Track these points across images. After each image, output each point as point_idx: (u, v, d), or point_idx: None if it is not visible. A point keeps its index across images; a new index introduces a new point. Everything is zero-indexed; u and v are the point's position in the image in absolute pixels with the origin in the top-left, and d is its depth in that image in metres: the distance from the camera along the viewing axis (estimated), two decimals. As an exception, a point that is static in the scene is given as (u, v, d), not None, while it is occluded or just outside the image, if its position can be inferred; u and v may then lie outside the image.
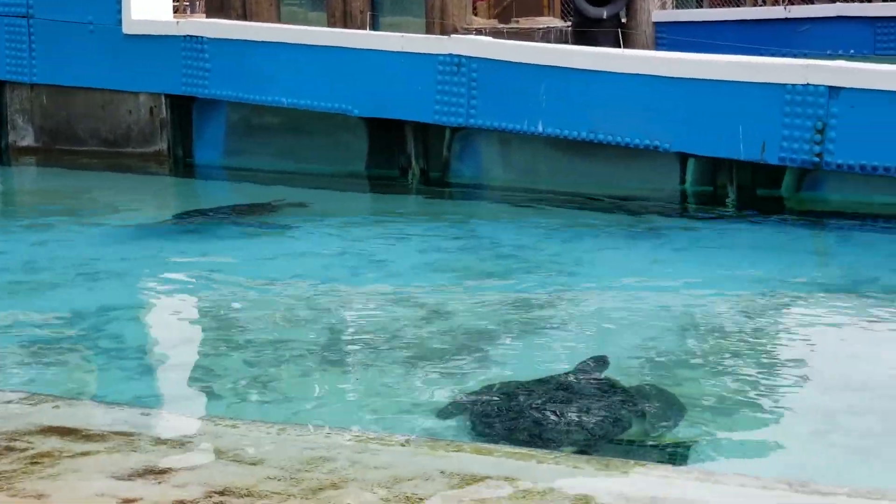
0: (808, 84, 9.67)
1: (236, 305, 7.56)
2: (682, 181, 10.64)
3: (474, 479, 3.64)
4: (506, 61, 11.07)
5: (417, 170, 11.96)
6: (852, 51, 17.51)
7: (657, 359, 6.32)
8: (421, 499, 3.49)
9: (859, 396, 5.69)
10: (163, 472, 3.68)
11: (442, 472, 3.75)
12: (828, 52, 16.67)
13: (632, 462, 4.09)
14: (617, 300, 7.58)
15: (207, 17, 19.83)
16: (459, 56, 11.29)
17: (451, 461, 3.94)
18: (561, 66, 10.77)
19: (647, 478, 3.76)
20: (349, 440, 4.11)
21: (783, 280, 7.94)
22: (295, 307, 7.41)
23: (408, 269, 8.42)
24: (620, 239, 9.34)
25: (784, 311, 7.31)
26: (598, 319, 7.12)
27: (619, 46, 12.11)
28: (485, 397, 5.51)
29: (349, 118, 12.08)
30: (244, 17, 19.80)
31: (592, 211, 10.40)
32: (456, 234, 9.70)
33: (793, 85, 9.73)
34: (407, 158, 12.01)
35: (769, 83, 9.83)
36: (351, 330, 7.01)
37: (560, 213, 10.33)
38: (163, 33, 13.05)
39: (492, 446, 4.52)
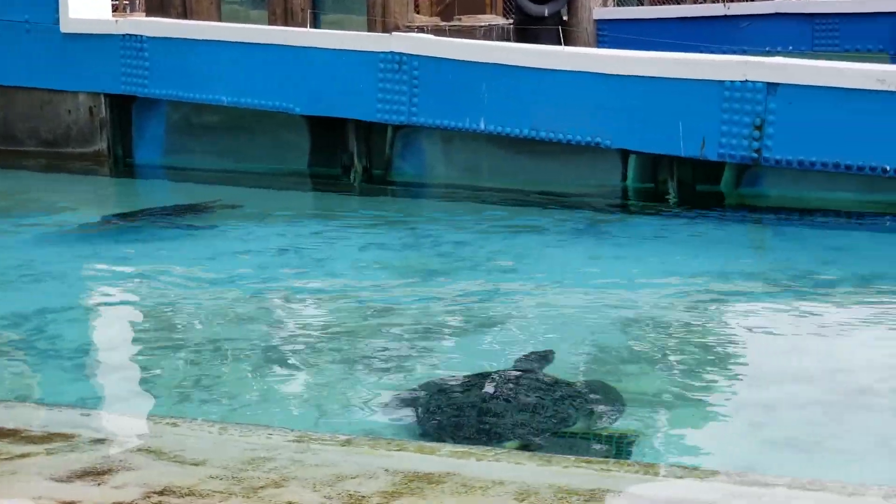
0: (746, 80, 9.76)
1: (177, 305, 7.50)
2: (624, 178, 10.71)
3: (417, 477, 3.64)
4: (448, 59, 11.08)
5: (360, 168, 11.94)
6: (791, 47, 17.68)
7: (599, 354, 6.36)
8: (363, 496, 3.48)
9: (797, 388, 5.75)
10: (102, 473, 3.65)
11: (385, 469, 3.75)
12: (767, 48, 16.83)
13: (573, 457, 4.11)
14: (559, 296, 7.60)
15: (147, 15, 19.66)
16: (401, 54, 11.28)
17: (394, 459, 3.94)
18: (503, 63, 10.80)
19: (589, 472, 3.78)
20: (291, 439, 4.09)
21: (723, 275, 8.01)
22: (236, 307, 7.37)
23: (350, 268, 8.40)
24: (562, 235, 9.37)
25: (723, 305, 7.37)
26: (540, 315, 7.14)
27: (561, 44, 12.14)
28: (428, 394, 5.51)
29: (291, 116, 12.03)
30: (184, 15, 19.64)
31: (534, 208, 10.44)
32: (398, 232, 9.69)
33: (731, 81, 9.81)
34: (349, 157, 11.99)
35: (708, 80, 9.91)
36: (293, 329, 6.98)
37: (502, 211, 10.36)
38: (101, 32, 12.93)
39: (435, 444, 4.53)
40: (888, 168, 9.30)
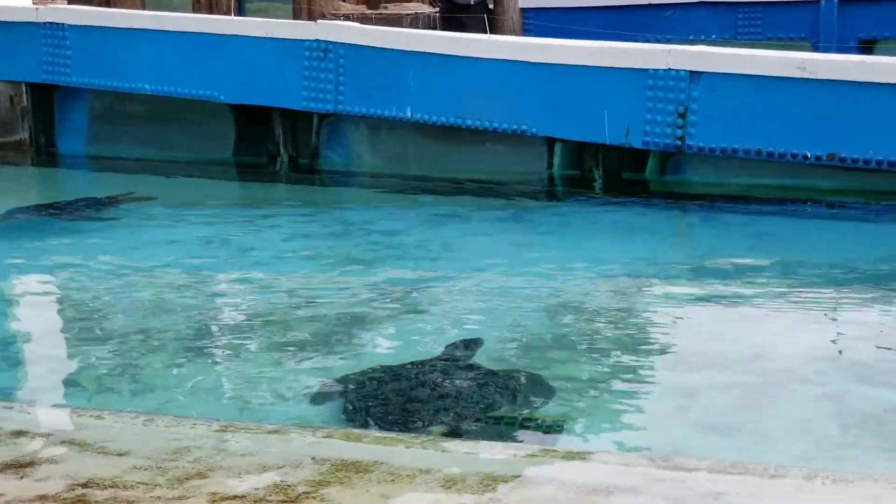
0: (669, 69, 9.84)
1: (101, 296, 7.42)
2: (550, 165, 10.76)
3: (344, 465, 3.64)
4: (374, 47, 11.05)
5: (286, 157, 11.88)
6: (714, 36, 17.82)
7: (526, 340, 6.39)
8: (290, 486, 3.47)
9: (721, 373, 5.82)
10: (25, 465, 3.61)
11: (312, 458, 3.74)
12: (691, 37, 16.94)
13: (500, 444, 4.13)
14: (486, 284, 7.63)
15: (69, 3, 19.37)
16: (327, 42, 11.23)
17: (321, 447, 3.92)
18: (429, 51, 10.79)
19: (516, 458, 3.80)
20: (216, 429, 4.07)
21: (648, 261, 8.09)
22: (161, 297, 7.31)
23: (276, 257, 8.36)
24: (489, 223, 9.40)
25: (648, 291, 7.44)
26: (467, 303, 7.16)
27: (487, 32, 12.14)
28: (356, 383, 5.51)
29: (216, 105, 11.93)
30: (107, 3, 19.38)
31: (461, 196, 10.46)
32: (325, 221, 9.67)
33: (655, 70, 9.89)
34: (275, 145, 11.92)
35: (632, 68, 9.98)
36: (219, 319, 6.94)
37: (429, 199, 10.37)
38: (22, 20, 12.73)
39: (362, 432, 4.53)
40: (809, 155, 9.43)
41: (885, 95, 9.14)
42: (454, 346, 6.08)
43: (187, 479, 3.51)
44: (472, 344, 6.09)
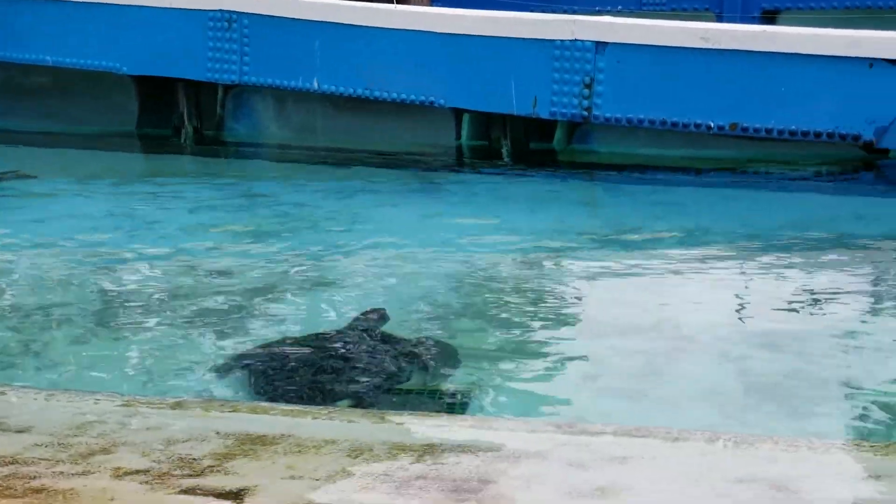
0: (575, 40, 9.89)
1: (1, 271, 7.28)
2: (458, 136, 10.77)
3: (250, 438, 3.62)
4: (279, 17, 10.94)
5: (191, 129, 11.75)
6: (620, 7, 17.92)
7: (435, 311, 6.40)
8: (195, 459, 3.44)
9: (627, 339, 5.88)
10: (-79, 444, 3.53)
11: (217, 432, 3.71)
12: (597, 7, 17.02)
13: (407, 413, 4.13)
14: (395, 255, 7.62)
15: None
16: (230, 11, 11.10)
17: (227, 421, 3.89)
18: (335, 21, 10.72)
19: (423, 427, 3.81)
20: (120, 404, 4.02)
21: (555, 230, 8.14)
22: (64, 271, 7.19)
23: (182, 230, 8.26)
24: (398, 194, 9.39)
25: (556, 260, 7.49)
26: (376, 274, 7.15)
27: (394, 3, 12.11)
28: (263, 356, 5.48)
29: (119, 77, 11.75)
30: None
31: (369, 167, 10.43)
32: (231, 193, 9.57)
33: (561, 41, 9.93)
34: (180, 117, 11.78)
35: (539, 39, 10.02)
36: (123, 292, 6.85)
37: (337, 170, 10.32)
38: (-82, -10, 12.41)
39: (268, 405, 4.50)
40: (712, 125, 9.55)
41: (786, 65, 9.28)
42: (362, 317, 6.06)
43: (90, 454, 3.47)
44: (380, 315, 6.08)
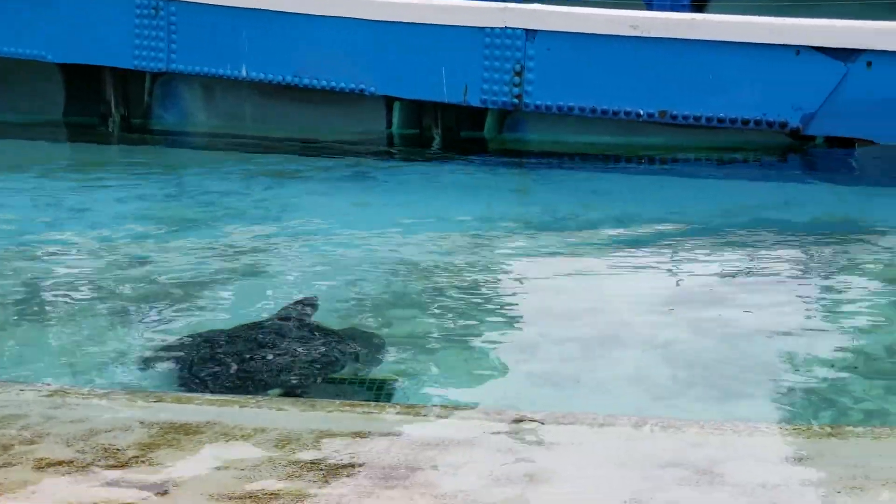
0: (506, 27, 9.88)
1: (-77, 262, 7.15)
2: (389, 124, 10.72)
3: (174, 428, 3.58)
4: (206, 4, 10.82)
5: (118, 117, 11.59)
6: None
7: (366, 299, 6.37)
8: (119, 450, 3.41)
9: (558, 326, 5.90)
10: None
11: (142, 422, 3.67)
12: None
13: (337, 401, 4.11)
14: (325, 244, 7.58)
15: None
16: (158, -1, 10.97)
17: (152, 411, 3.86)
18: (263, 8, 10.62)
19: (352, 415, 3.79)
20: (44, 395, 3.96)
21: (486, 218, 8.13)
22: (-12, 262, 7.08)
23: (109, 219, 8.15)
24: (328, 183, 9.34)
25: (488, 248, 7.48)
26: (306, 263, 7.11)
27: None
28: (192, 345, 5.42)
29: (45, 64, 11.55)
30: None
31: (299, 156, 10.35)
32: (159, 182, 9.47)
33: (491, 28, 9.92)
34: (107, 105, 11.61)
35: (469, 27, 10.00)
36: (50, 283, 6.74)
37: (266, 159, 10.23)
38: None
39: (194, 394, 4.47)
40: (642, 112, 9.60)
41: (714, 53, 9.35)
42: (292, 306, 6.02)
43: (13, 446, 3.41)
44: (310, 304, 6.04)
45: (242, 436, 3.51)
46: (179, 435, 3.50)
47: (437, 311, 6.20)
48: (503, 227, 7.94)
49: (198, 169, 10.02)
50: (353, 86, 10.44)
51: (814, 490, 3.08)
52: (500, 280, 6.89)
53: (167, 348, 5.46)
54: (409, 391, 5.01)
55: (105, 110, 11.63)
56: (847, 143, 9.47)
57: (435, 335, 5.79)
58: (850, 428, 3.75)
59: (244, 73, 10.73)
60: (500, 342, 5.78)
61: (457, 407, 4.01)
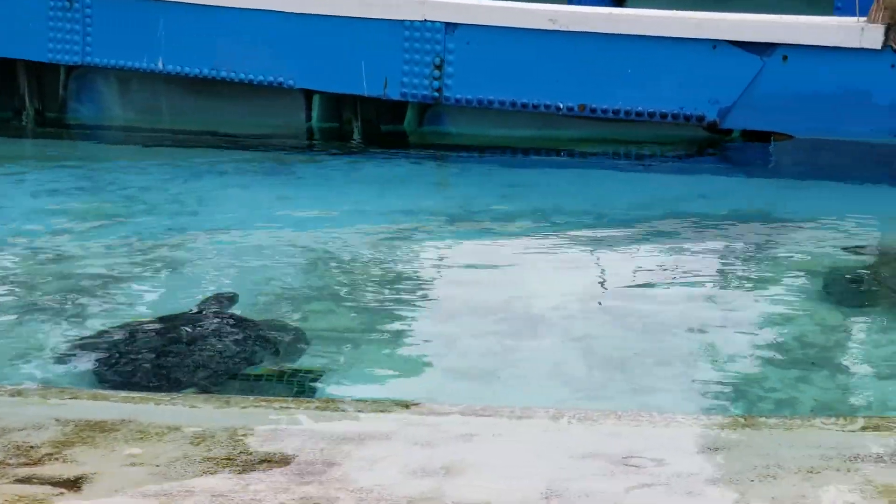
0: (425, 20, 9.87)
1: None
2: (308, 118, 10.66)
3: (90, 426, 3.53)
4: (122, -4, 10.69)
5: (32, 110, 11.40)
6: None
7: (285, 293, 6.33)
8: (32, 447, 3.35)
9: (478, 319, 5.91)
10: None
11: (56, 419, 3.62)
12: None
13: (253, 398, 4.08)
14: (244, 237, 7.52)
15: None
16: (73, -10, 10.81)
17: (67, 408, 3.80)
18: (180, 0, 10.50)
19: (268, 411, 3.77)
20: (-47, 393, 3.89)
21: (407, 211, 8.12)
22: None
23: (23, 214, 8.02)
24: (247, 176, 9.27)
25: (408, 241, 7.48)
26: (225, 257, 7.05)
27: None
28: (107, 341, 5.36)
29: (-45, 58, 11.34)
30: None
31: (218, 149, 10.25)
32: (74, 176, 9.32)
33: (411, 21, 9.90)
34: (20, 99, 11.41)
35: (388, 19, 9.97)
36: (-40, 279, 6.63)
37: (184, 153, 10.12)
38: None
39: (110, 391, 4.41)
40: (561, 106, 9.64)
41: (632, 47, 9.42)
42: (211, 300, 5.98)
43: (-82, 446, 3.34)
44: (229, 298, 6.00)
45: (157, 433, 3.48)
46: (95, 433, 3.46)
47: (356, 304, 6.18)
48: (423, 220, 7.94)
49: (114, 163, 9.90)
50: (271, 79, 10.36)
51: (728, 479, 3.11)
52: (419, 273, 6.89)
53: (83, 344, 5.39)
54: (328, 385, 4.99)
55: (19, 104, 11.43)
56: (763, 137, 9.59)
57: (354, 329, 5.78)
58: (764, 419, 3.80)
59: (161, 66, 10.61)
60: (420, 336, 5.79)
61: (375, 401, 3.99)
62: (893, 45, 8.97)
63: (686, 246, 7.34)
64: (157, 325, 5.53)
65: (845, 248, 7.03)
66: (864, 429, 3.50)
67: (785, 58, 9.25)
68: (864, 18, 9.08)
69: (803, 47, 9.21)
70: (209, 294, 6.10)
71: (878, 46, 9.02)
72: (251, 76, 10.40)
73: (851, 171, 9.23)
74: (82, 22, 10.77)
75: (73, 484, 3.12)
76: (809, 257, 6.96)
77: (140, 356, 5.11)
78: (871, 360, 5.35)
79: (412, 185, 9.15)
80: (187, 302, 6.06)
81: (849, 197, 8.70)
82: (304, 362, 5.26)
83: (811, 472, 3.13)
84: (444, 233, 7.70)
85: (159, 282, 6.57)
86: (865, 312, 5.99)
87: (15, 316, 5.86)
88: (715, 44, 9.30)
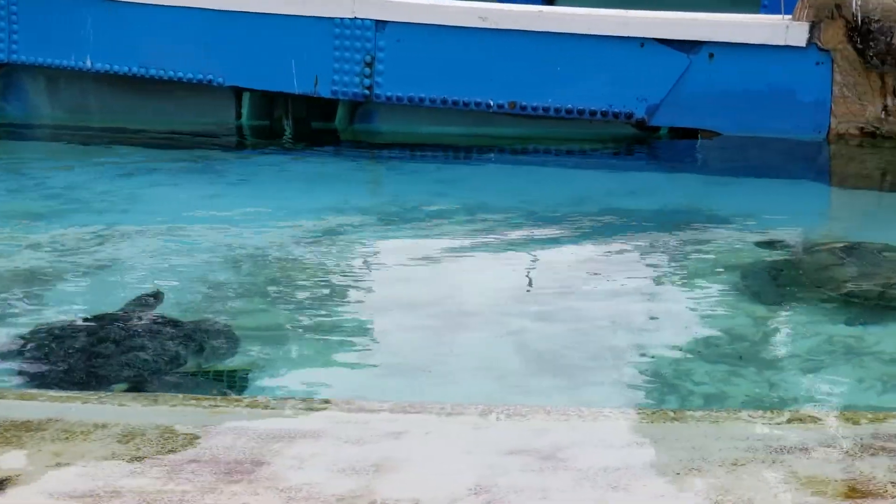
0: (355, 18, 9.86)
1: None
2: (238, 115, 10.60)
3: (14, 425, 3.50)
4: (49, -7, 10.56)
5: (-44, 110, 11.25)
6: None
7: (214, 292, 6.30)
8: (-45, 450, 3.31)
9: (407, 315, 5.93)
10: None
11: (-20, 420, 3.57)
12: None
13: (181, 395, 4.07)
14: (173, 236, 7.46)
15: None
16: (-5, -13, 10.66)
17: (-8, 409, 3.76)
18: (107, -3, 10.42)
19: (197, 409, 3.75)
20: None
21: (338, 210, 8.10)
22: None
23: (-53, 214, 7.92)
24: (176, 174, 9.20)
25: (339, 239, 7.46)
26: (153, 256, 6.99)
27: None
28: (33, 341, 5.31)
29: None
30: None
31: (147, 148, 10.17)
32: (0, 175, 9.21)
33: (341, 18, 9.88)
34: (-55, 98, 11.26)
35: (319, 17, 9.94)
36: None
37: (113, 151, 10.02)
38: None
39: (36, 391, 4.37)
40: (492, 103, 9.68)
41: (561, 45, 9.48)
42: (138, 299, 5.93)
43: None
44: (155, 297, 5.97)
45: (84, 432, 3.45)
46: (21, 432, 3.42)
47: (286, 302, 6.17)
48: (354, 218, 7.93)
49: (41, 162, 9.78)
50: (200, 76, 10.30)
51: (654, 472, 3.15)
52: (350, 271, 6.89)
53: (8, 344, 5.33)
54: (257, 383, 4.98)
55: (-57, 103, 11.27)
56: (691, 134, 9.70)
57: (284, 327, 5.78)
58: (691, 412, 3.85)
59: (89, 64, 10.50)
60: (350, 333, 5.79)
61: (304, 398, 3.99)
62: (818, 42, 9.11)
63: (615, 242, 7.40)
64: (84, 325, 5.48)
65: (769, 243, 7.12)
66: (789, 421, 3.56)
67: (711, 55, 9.35)
68: (790, 16, 9.21)
69: (729, 45, 9.32)
70: (138, 293, 6.05)
71: (804, 44, 9.16)
72: (180, 74, 10.33)
73: (777, 167, 9.36)
74: (8, 19, 10.63)
75: (-2, 485, 3.09)
76: (735, 252, 7.05)
77: (68, 356, 5.07)
78: (797, 353, 5.44)
79: (343, 182, 9.14)
80: (116, 301, 6.01)
81: (773, 193, 8.82)
82: (234, 361, 5.24)
83: (736, 464, 3.18)
84: (375, 230, 7.70)
85: (87, 281, 6.51)
86: (788, 306, 6.08)
87: (-62, 317, 5.78)
88: (643, 42, 9.39)
